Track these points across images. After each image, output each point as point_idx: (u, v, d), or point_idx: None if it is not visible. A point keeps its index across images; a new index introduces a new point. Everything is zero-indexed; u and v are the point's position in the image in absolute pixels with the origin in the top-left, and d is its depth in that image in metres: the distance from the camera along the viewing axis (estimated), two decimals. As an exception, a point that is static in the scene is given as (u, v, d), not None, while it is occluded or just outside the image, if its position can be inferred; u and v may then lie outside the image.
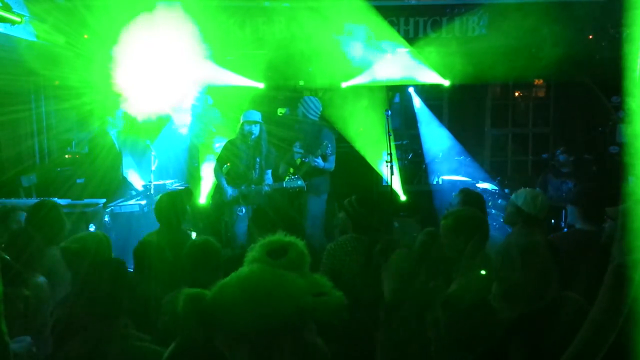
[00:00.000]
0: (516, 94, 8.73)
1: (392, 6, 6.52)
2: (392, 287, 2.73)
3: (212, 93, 6.82)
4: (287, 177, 5.36)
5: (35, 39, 5.14)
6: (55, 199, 5.06)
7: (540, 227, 3.51)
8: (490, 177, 7.33)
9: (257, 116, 5.34)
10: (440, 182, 7.30)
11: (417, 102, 7.99)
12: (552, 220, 5.64)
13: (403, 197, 6.64)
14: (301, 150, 5.65)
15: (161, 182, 6.05)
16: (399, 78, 7.03)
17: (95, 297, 2.10)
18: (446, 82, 7.12)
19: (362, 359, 2.79)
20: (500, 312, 2.17)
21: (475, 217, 2.91)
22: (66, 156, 6.97)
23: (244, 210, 5.27)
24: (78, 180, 6.05)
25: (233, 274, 1.71)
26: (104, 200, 5.33)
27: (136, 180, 6.38)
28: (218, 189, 5.44)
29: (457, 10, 6.50)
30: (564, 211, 5.09)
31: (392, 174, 5.15)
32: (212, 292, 1.67)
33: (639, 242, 1.18)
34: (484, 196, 5.03)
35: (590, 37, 6.49)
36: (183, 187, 5.80)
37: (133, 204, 5.77)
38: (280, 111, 7.45)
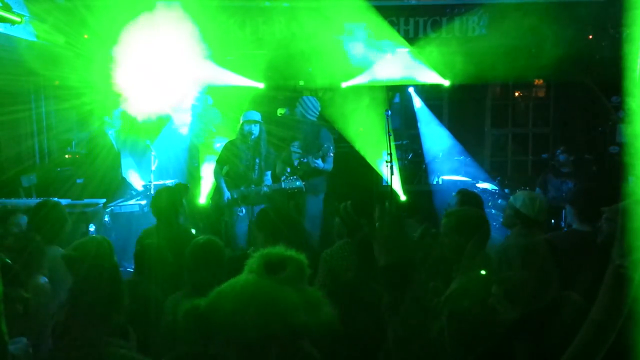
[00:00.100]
0: (516, 94, 8.73)
1: (392, 6, 6.52)
2: None
3: (212, 93, 6.81)
4: (284, 177, 5.35)
5: (35, 39, 5.14)
6: (55, 199, 5.07)
7: (540, 229, 3.51)
8: (490, 177, 7.33)
9: (257, 116, 5.34)
10: (440, 182, 7.29)
11: (417, 102, 7.99)
12: (552, 221, 5.65)
13: (403, 197, 6.64)
14: (299, 151, 5.65)
15: (161, 182, 6.05)
16: (399, 78, 7.03)
17: (91, 303, 2.09)
18: (446, 82, 7.12)
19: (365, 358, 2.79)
20: (502, 313, 2.17)
21: (477, 217, 2.91)
22: (66, 156, 6.96)
23: (244, 210, 5.27)
24: (78, 180, 6.05)
25: (230, 281, 1.71)
26: (104, 200, 5.33)
27: (136, 180, 6.38)
28: (218, 190, 5.44)
29: (457, 10, 6.50)
30: (564, 211, 5.10)
31: (392, 174, 5.14)
32: (209, 298, 1.67)
33: (639, 242, 1.18)
34: (484, 196, 5.04)
35: (590, 37, 6.49)
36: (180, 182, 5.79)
37: (133, 204, 5.78)
38: (280, 111, 7.45)
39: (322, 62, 6.47)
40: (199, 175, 6.71)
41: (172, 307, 2.73)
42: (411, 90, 7.91)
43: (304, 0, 6.15)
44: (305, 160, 5.49)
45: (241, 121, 5.34)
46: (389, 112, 5.35)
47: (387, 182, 5.53)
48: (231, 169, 5.39)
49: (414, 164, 7.81)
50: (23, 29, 4.91)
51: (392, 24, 6.53)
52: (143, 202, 5.75)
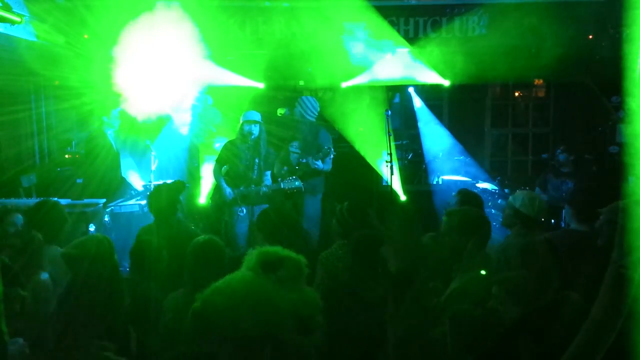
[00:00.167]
0: (516, 94, 8.73)
1: (392, 6, 6.52)
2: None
3: (212, 93, 6.81)
4: (280, 178, 5.35)
5: (35, 39, 5.15)
6: (55, 199, 5.07)
7: (539, 229, 3.50)
8: (490, 177, 7.33)
9: (256, 116, 5.34)
10: (440, 182, 7.29)
11: (417, 102, 7.99)
12: (552, 221, 5.65)
13: (403, 197, 6.64)
14: (298, 151, 5.65)
15: (161, 182, 6.04)
16: (399, 78, 7.03)
17: (91, 302, 2.09)
18: (446, 82, 7.12)
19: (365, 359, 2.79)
20: (504, 313, 2.16)
21: (479, 217, 2.91)
22: (66, 156, 6.97)
23: (244, 210, 5.26)
24: (78, 180, 6.05)
25: (227, 277, 1.70)
26: (104, 200, 5.32)
27: (136, 180, 6.38)
28: (218, 189, 5.44)
29: (457, 10, 6.51)
30: (564, 211, 5.09)
31: (392, 174, 5.14)
32: (205, 294, 1.67)
33: (639, 242, 1.18)
34: (484, 196, 5.04)
35: (590, 37, 6.49)
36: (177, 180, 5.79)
37: (133, 204, 5.77)
38: (280, 111, 7.45)
39: (322, 62, 6.47)
40: (199, 175, 6.70)
41: (171, 305, 2.72)
42: (411, 90, 7.91)
43: (304, 0, 6.15)
44: (304, 161, 5.49)
45: (241, 121, 5.34)
46: (389, 112, 5.35)
47: (387, 182, 5.53)
48: (231, 169, 5.39)
49: (414, 164, 7.81)
50: (23, 29, 4.91)
51: (392, 24, 6.53)
52: (143, 202, 5.74)
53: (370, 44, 6.53)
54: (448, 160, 7.52)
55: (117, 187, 5.97)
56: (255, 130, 5.26)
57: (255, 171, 5.30)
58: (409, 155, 7.85)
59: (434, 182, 7.41)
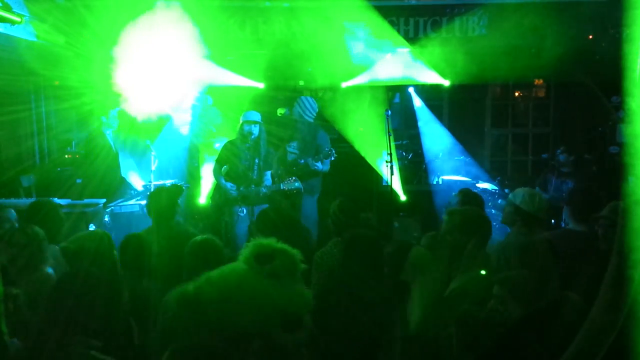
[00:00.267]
0: (516, 94, 8.73)
1: (392, 6, 6.51)
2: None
3: (212, 93, 6.81)
4: (279, 178, 5.36)
5: (35, 39, 5.14)
6: (56, 199, 5.07)
7: (540, 227, 3.49)
8: (490, 177, 7.33)
9: (256, 116, 5.34)
10: (440, 182, 7.29)
11: (417, 102, 7.99)
12: (553, 221, 5.65)
13: (403, 197, 6.64)
14: (296, 152, 5.65)
15: (161, 182, 6.05)
16: (399, 78, 7.03)
17: (91, 299, 2.08)
18: (446, 82, 7.11)
19: (365, 359, 2.79)
20: (505, 313, 2.16)
21: (480, 216, 2.92)
22: (66, 156, 6.97)
23: (244, 210, 5.27)
24: (78, 180, 6.05)
25: (222, 268, 1.70)
26: (104, 200, 5.32)
27: (136, 180, 6.38)
28: (218, 190, 5.44)
29: (457, 10, 6.50)
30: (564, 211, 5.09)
31: (392, 174, 5.14)
32: (198, 282, 1.67)
33: (639, 242, 1.18)
34: (484, 196, 5.04)
35: (590, 37, 6.49)
36: (177, 183, 5.79)
37: (133, 204, 5.77)
38: (280, 111, 7.45)
39: (322, 62, 6.47)
40: (199, 175, 6.70)
41: (171, 304, 2.72)
42: (411, 90, 7.91)
43: (304, 0, 6.14)
44: (302, 162, 5.50)
45: (241, 121, 5.34)
46: (389, 112, 5.35)
47: (387, 182, 5.53)
48: (231, 169, 5.39)
49: (414, 164, 7.81)
50: (23, 29, 4.90)
51: (392, 24, 6.53)
52: (143, 202, 5.74)
53: (370, 44, 6.53)
54: (448, 160, 7.52)
55: (117, 187, 5.97)
56: (255, 130, 5.26)
57: (255, 171, 5.30)
58: (409, 155, 7.85)
59: (434, 182, 7.41)
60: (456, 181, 6.96)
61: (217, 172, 5.40)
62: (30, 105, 6.87)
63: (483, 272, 2.61)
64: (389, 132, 5.17)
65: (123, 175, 6.19)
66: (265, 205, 5.03)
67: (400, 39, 6.56)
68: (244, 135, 5.28)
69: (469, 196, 3.90)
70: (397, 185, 6.63)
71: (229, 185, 5.24)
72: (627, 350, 1.22)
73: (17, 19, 4.66)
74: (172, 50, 5.41)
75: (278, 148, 5.73)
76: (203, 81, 6.35)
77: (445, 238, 2.88)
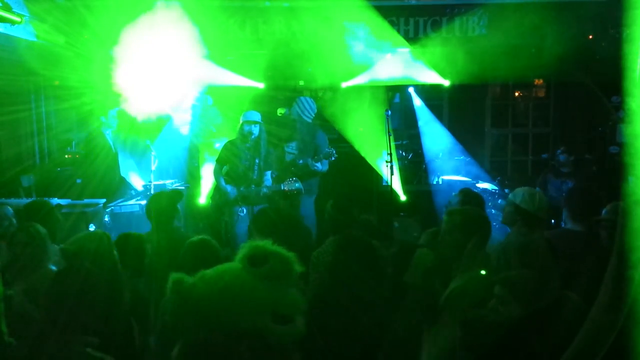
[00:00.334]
0: (516, 94, 8.73)
1: (392, 6, 6.51)
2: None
3: (212, 93, 6.81)
4: (277, 178, 5.36)
5: (35, 39, 5.15)
6: (56, 199, 5.08)
7: (540, 227, 3.48)
8: (490, 177, 7.32)
9: (257, 116, 5.34)
10: (440, 182, 7.29)
11: (417, 102, 7.99)
12: (553, 221, 5.64)
13: (403, 197, 6.64)
14: (295, 152, 5.65)
15: (161, 182, 6.05)
16: (399, 78, 7.03)
17: (92, 299, 2.08)
18: (446, 82, 7.11)
19: (365, 359, 2.79)
20: (506, 313, 2.16)
21: (480, 216, 2.91)
22: (66, 156, 6.97)
23: (244, 210, 5.27)
24: (78, 180, 6.05)
25: (218, 267, 1.70)
26: (104, 200, 5.32)
27: (136, 180, 6.38)
28: (218, 190, 5.44)
29: (457, 10, 6.50)
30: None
31: (392, 174, 5.14)
32: (194, 278, 1.67)
33: (639, 242, 1.18)
34: (484, 196, 5.03)
35: (590, 37, 6.49)
36: (176, 189, 5.79)
37: (133, 204, 5.77)
38: (280, 111, 7.45)
39: (322, 62, 6.47)
40: (199, 175, 6.70)
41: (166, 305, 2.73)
42: (411, 90, 7.91)
43: (304, 0, 6.14)
44: (301, 162, 5.50)
45: (241, 121, 5.34)
46: (389, 112, 5.35)
47: (387, 182, 5.53)
48: (231, 169, 5.39)
49: (414, 164, 7.81)
50: (23, 29, 4.91)
51: (392, 24, 6.53)
52: (143, 202, 5.74)
53: (370, 44, 6.53)
54: (448, 160, 7.52)
55: (117, 187, 5.97)
56: (255, 130, 5.26)
57: (256, 171, 5.30)
58: (409, 155, 7.85)
59: (434, 182, 7.41)
60: (456, 181, 6.96)
61: (217, 172, 5.40)
62: (30, 105, 6.87)
63: (483, 272, 2.61)
64: (389, 132, 5.17)
65: (123, 175, 6.19)
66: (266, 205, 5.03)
67: (400, 39, 6.56)
68: (244, 135, 5.28)
69: (469, 196, 3.90)
70: (397, 185, 6.63)
71: (228, 188, 5.24)
72: (627, 350, 1.22)
73: (17, 19, 4.66)
74: (172, 50, 5.41)
75: (278, 148, 5.73)
76: (203, 81, 6.34)
77: (446, 238, 2.87)
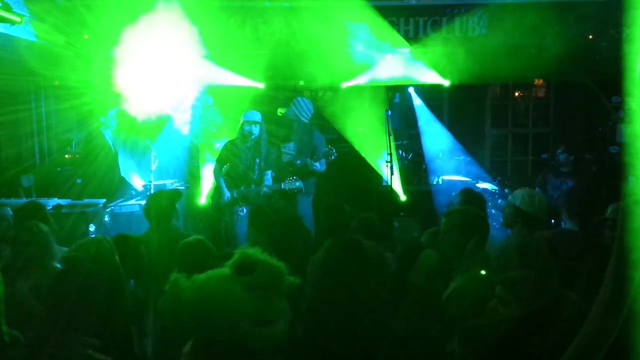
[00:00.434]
0: (516, 94, 8.73)
1: (392, 6, 6.52)
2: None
3: (212, 93, 6.81)
4: (275, 179, 5.36)
5: (35, 39, 5.15)
6: (56, 199, 5.08)
7: (540, 228, 3.47)
8: (490, 177, 7.32)
9: (257, 116, 5.34)
10: (440, 182, 7.30)
11: (417, 101, 7.99)
12: (553, 221, 5.65)
13: (403, 197, 6.64)
14: (292, 152, 5.66)
15: (161, 182, 6.05)
16: (399, 78, 7.03)
17: (93, 304, 2.08)
18: (446, 82, 7.11)
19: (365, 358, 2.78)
20: (507, 314, 2.16)
21: (479, 216, 2.92)
22: (66, 156, 6.97)
23: (244, 210, 5.27)
24: (78, 180, 6.05)
25: (209, 272, 1.70)
26: (104, 200, 5.32)
27: (136, 180, 6.38)
28: (218, 189, 5.44)
29: (457, 10, 6.50)
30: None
31: (392, 174, 5.14)
32: (189, 281, 1.67)
33: (639, 242, 1.18)
34: (484, 196, 5.04)
35: (590, 37, 6.49)
36: (175, 188, 5.79)
37: (133, 204, 5.77)
38: (280, 111, 7.45)
39: (322, 62, 6.47)
40: (199, 175, 6.70)
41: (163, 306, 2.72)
42: (411, 90, 7.91)
43: (304, 0, 6.15)
44: (299, 162, 5.50)
45: (241, 121, 5.34)
46: (389, 112, 5.35)
47: (387, 182, 5.53)
48: (231, 169, 5.40)
49: (414, 164, 7.81)
50: (23, 29, 4.91)
51: (392, 24, 6.53)
52: (143, 202, 5.74)
53: (370, 44, 6.53)
54: (448, 160, 7.52)
55: (117, 187, 5.97)
56: (256, 130, 5.27)
57: (256, 171, 5.31)
58: (409, 155, 7.85)
59: (434, 182, 7.42)
60: (456, 181, 6.96)
61: (217, 172, 5.41)
62: (30, 105, 6.87)
63: (483, 272, 2.61)
64: (389, 132, 5.17)
65: (123, 175, 6.19)
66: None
67: (400, 39, 6.56)
68: (244, 135, 5.28)
69: (470, 196, 3.89)
70: (397, 185, 6.63)
71: (227, 193, 5.24)
72: (627, 350, 1.21)
73: (17, 19, 4.66)
74: (172, 50, 5.41)
75: (278, 148, 5.73)
76: (203, 81, 6.34)
77: (445, 238, 2.87)
